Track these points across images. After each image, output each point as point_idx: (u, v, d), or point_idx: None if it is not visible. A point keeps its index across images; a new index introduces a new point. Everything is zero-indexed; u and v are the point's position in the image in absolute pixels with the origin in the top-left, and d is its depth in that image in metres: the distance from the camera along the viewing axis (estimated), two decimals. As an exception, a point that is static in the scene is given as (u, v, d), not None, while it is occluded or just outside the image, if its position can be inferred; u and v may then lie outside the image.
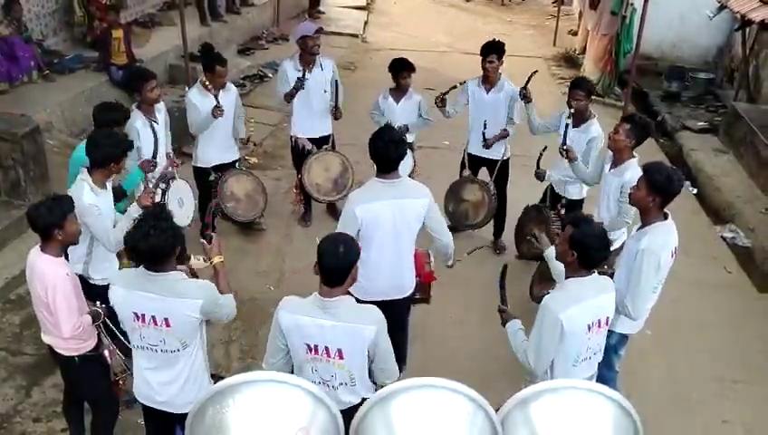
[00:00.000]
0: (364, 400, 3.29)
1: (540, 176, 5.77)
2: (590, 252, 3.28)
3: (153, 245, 3.09)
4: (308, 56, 6.19)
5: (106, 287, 4.00)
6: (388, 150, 4.00)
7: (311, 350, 3.11)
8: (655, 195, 3.82)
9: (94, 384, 3.92)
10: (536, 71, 6.14)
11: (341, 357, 3.11)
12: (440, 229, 4.29)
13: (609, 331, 3.74)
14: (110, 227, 4.15)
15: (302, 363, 3.17)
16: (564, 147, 5.34)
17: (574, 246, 3.29)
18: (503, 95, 6.07)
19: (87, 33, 9.07)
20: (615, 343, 4.17)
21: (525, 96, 5.90)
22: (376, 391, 3.29)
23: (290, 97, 6.22)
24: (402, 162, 6.23)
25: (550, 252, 3.94)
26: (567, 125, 5.43)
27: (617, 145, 4.74)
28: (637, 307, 3.86)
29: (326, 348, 3.09)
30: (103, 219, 4.10)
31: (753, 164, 8.46)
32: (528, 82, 5.93)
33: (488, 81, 6.10)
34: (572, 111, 5.46)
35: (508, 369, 4.83)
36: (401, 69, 6.22)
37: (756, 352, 5.54)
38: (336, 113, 6.41)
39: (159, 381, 3.43)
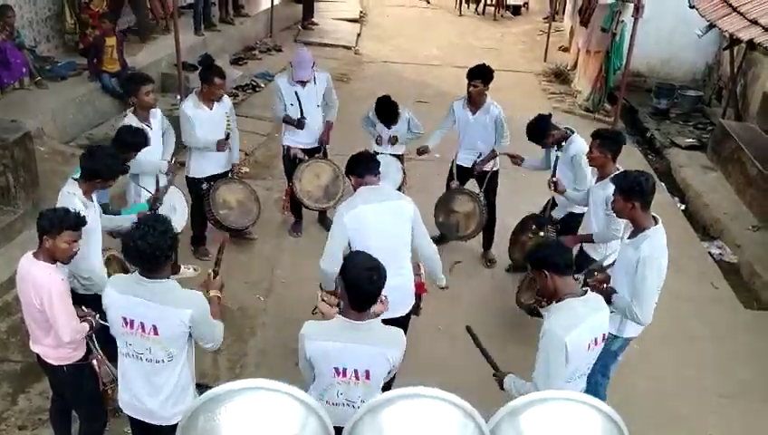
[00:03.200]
0: None
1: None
2: (553, 258, 3.35)
3: (151, 244, 3.08)
4: None
5: (92, 296, 4.00)
6: (362, 163, 4.30)
7: (339, 373, 3.12)
8: (631, 200, 3.90)
9: (83, 393, 3.89)
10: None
11: (368, 378, 3.14)
12: (424, 240, 4.31)
13: (614, 336, 3.78)
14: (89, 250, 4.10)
15: (328, 386, 3.17)
16: (553, 179, 5.44)
17: (543, 266, 3.36)
18: (488, 118, 6.12)
19: (80, 41, 9.07)
20: (617, 349, 4.21)
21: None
22: None
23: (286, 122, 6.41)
24: (392, 175, 6.36)
25: None
26: (557, 157, 5.56)
27: (594, 163, 4.91)
28: (645, 312, 3.91)
29: (355, 370, 3.11)
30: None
31: (740, 181, 8.54)
32: None
33: (473, 103, 6.14)
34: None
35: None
36: (393, 117, 6.31)
37: (742, 367, 5.57)
38: (324, 137, 6.49)
39: (141, 390, 3.39)
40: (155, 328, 3.21)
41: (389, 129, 6.38)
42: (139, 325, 3.22)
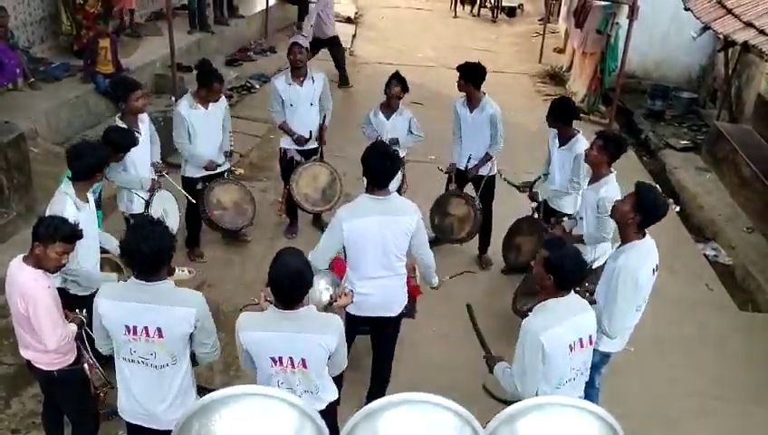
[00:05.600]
0: (329, 404, 3.32)
1: (533, 197, 5.93)
2: (567, 274, 3.30)
3: (153, 246, 3.07)
4: (296, 68, 6.23)
5: (85, 297, 3.97)
6: (380, 166, 3.99)
7: (275, 362, 3.15)
8: (637, 212, 3.85)
9: (74, 398, 3.87)
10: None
11: (305, 366, 3.16)
12: (423, 250, 4.30)
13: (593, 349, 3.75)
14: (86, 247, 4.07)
15: (269, 377, 3.21)
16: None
17: (551, 270, 3.31)
18: (484, 116, 6.08)
19: (74, 42, 9.03)
20: (596, 362, 4.19)
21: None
22: (339, 393, 3.36)
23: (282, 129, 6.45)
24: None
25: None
26: (550, 156, 5.74)
27: (592, 160, 4.89)
28: (613, 325, 3.88)
29: (290, 359, 3.14)
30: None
31: (734, 183, 8.56)
32: None
33: (470, 100, 6.14)
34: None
35: (492, 385, 4.84)
36: (392, 79, 6.18)
37: (736, 369, 5.58)
38: (321, 136, 6.46)
39: (146, 396, 3.36)
40: (159, 331, 3.19)
41: (389, 119, 6.31)
42: (143, 330, 3.19)
